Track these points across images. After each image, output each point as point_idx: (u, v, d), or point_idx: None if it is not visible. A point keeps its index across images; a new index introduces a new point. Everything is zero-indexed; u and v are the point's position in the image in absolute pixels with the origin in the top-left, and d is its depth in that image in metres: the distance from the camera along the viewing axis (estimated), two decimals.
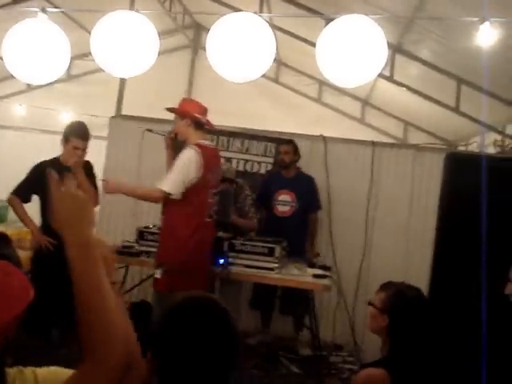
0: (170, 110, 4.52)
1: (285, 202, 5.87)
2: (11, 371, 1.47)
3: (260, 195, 5.99)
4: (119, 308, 1.51)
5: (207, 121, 4.48)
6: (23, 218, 4.95)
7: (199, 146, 4.27)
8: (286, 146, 5.94)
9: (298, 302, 5.38)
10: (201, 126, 4.44)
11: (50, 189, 1.47)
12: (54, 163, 4.86)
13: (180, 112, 4.43)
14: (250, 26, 3.51)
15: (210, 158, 4.32)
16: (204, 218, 4.31)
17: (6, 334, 1.21)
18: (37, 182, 4.67)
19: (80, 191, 1.47)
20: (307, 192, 5.89)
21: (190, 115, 4.37)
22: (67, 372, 1.55)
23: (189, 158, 4.18)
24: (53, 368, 1.58)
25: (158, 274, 4.17)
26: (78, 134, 4.91)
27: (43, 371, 1.53)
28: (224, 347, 1.48)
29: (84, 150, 4.92)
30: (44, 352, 4.16)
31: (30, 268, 4.99)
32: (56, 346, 4.61)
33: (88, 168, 5.05)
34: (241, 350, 1.53)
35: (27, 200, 4.97)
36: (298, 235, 5.80)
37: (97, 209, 5.23)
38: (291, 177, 5.90)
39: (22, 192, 4.90)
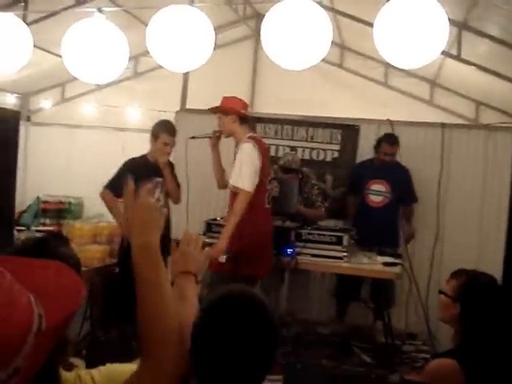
0: (213, 109, 4.68)
1: (378, 192, 5.76)
2: (70, 375, 1.50)
3: (351, 184, 5.94)
4: (191, 311, 1.59)
5: (249, 115, 4.70)
6: (114, 211, 5.09)
7: (252, 138, 4.42)
8: (391, 147, 5.66)
9: (380, 292, 5.32)
10: (245, 120, 4.60)
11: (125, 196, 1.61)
12: (143, 160, 5.10)
13: (224, 109, 4.57)
14: (305, 11, 3.45)
15: (263, 147, 4.49)
16: (264, 205, 4.51)
17: (57, 335, 1.22)
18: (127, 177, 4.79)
19: (150, 201, 1.60)
20: (403, 183, 5.74)
21: (235, 111, 4.51)
22: (122, 368, 1.58)
23: (251, 151, 4.33)
24: (107, 366, 1.60)
25: (222, 259, 4.27)
26: (167, 130, 5.08)
27: (99, 373, 1.57)
28: (261, 342, 1.46)
29: (172, 145, 5.12)
30: (116, 345, 4.27)
31: (117, 261, 5.14)
32: (129, 339, 4.72)
33: (171, 166, 5.19)
34: (278, 344, 1.53)
35: (119, 195, 5.09)
36: (389, 227, 5.72)
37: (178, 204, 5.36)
38: (385, 166, 5.75)
39: (114, 186, 5.04)
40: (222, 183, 5.01)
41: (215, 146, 4.88)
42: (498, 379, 2.24)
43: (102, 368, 1.60)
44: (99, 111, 10.23)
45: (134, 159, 5.15)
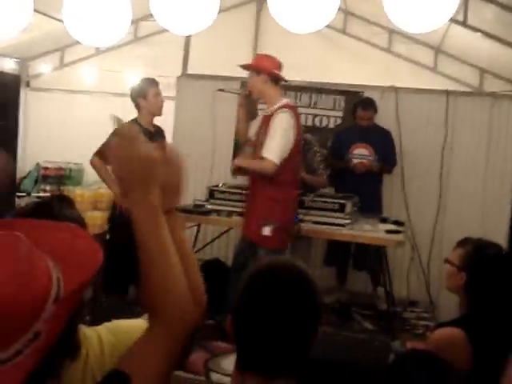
0: (245, 66, 4.45)
1: (361, 156, 5.71)
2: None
3: (334, 149, 5.88)
4: (192, 268, 1.47)
5: (283, 77, 4.40)
6: (106, 179, 5.05)
7: (289, 106, 4.25)
8: (365, 111, 5.64)
9: (373, 257, 5.30)
10: (278, 81, 4.36)
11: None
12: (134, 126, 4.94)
13: (256, 68, 4.34)
14: None
15: (298, 118, 4.35)
16: (296, 177, 4.45)
17: (78, 298, 1.20)
18: None
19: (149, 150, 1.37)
20: (385, 146, 5.71)
21: (268, 71, 4.28)
22: (130, 325, 1.55)
23: (288, 123, 4.19)
24: (114, 324, 1.58)
25: (267, 232, 4.20)
26: (151, 82, 5.07)
27: (107, 330, 1.53)
28: (305, 314, 1.43)
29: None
30: (121, 309, 4.29)
31: (108, 227, 5.13)
32: (132, 303, 4.74)
33: (160, 132, 5.15)
34: (321, 315, 1.49)
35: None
36: (374, 190, 5.69)
37: None
38: (367, 129, 5.69)
39: (105, 154, 4.99)
40: (245, 138, 4.87)
41: (243, 105, 4.70)
42: (504, 348, 2.23)
43: (108, 324, 1.57)
44: (99, 76, 10.10)
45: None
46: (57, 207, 1.56)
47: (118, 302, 4.61)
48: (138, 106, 5.05)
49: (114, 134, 1.41)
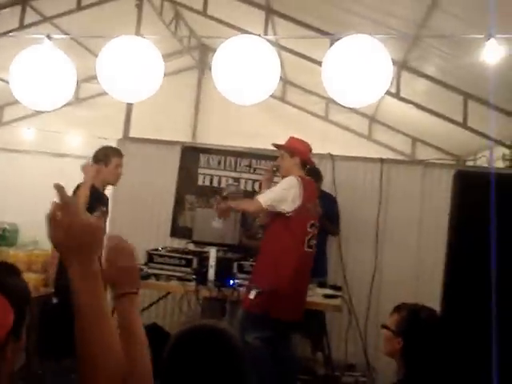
0: (279, 146, 4.61)
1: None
2: None
3: None
4: (139, 348, 1.47)
5: (313, 162, 4.68)
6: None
7: (301, 177, 4.38)
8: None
9: (316, 323, 5.33)
10: (306, 166, 4.57)
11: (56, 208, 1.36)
12: (91, 189, 4.88)
13: (291, 150, 4.50)
14: (255, 48, 3.52)
15: (309, 188, 4.43)
16: (303, 247, 4.36)
17: None
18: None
19: (91, 216, 1.38)
20: (330, 210, 5.82)
21: (302, 155, 4.50)
22: None
23: (289, 184, 4.31)
24: None
25: (251, 295, 4.20)
26: (117, 153, 5.02)
27: None
28: (230, 376, 1.46)
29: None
30: (55, 375, 4.15)
31: (55, 292, 4.95)
32: (67, 372, 4.59)
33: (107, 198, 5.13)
34: (249, 378, 1.51)
35: None
36: (319, 256, 5.76)
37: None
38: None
39: None
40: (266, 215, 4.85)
41: (269, 180, 4.89)
42: None
43: None
44: (37, 136, 10.05)
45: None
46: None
47: (52, 370, 4.45)
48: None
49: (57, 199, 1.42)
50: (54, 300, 4.88)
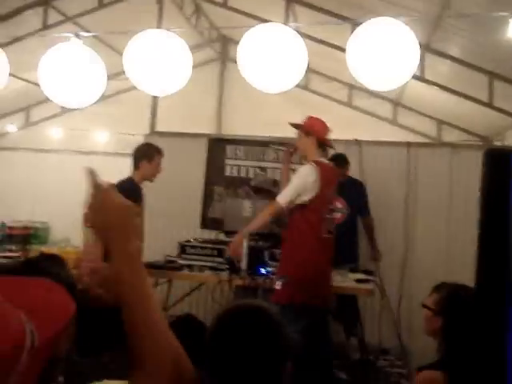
0: (296, 125, 4.55)
1: (336, 209, 5.81)
2: None
3: None
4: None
5: (330, 142, 4.55)
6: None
7: (317, 162, 4.33)
8: (340, 168, 5.59)
9: (349, 308, 5.36)
10: (323, 145, 4.50)
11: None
12: (131, 184, 4.98)
13: (307, 129, 4.45)
14: (281, 36, 3.53)
15: (326, 174, 4.37)
16: (322, 233, 4.36)
17: (50, 350, 1.24)
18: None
19: (124, 199, 1.43)
20: (358, 198, 5.83)
21: (318, 135, 4.42)
22: None
23: (306, 174, 4.28)
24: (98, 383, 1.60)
25: (278, 286, 4.24)
26: (160, 151, 5.12)
27: None
28: (272, 357, 1.50)
29: None
30: (95, 372, 4.22)
31: None
32: (107, 367, 4.67)
33: None
34: (291, 358, 1.54)
35: None
36: (350, 242, 5.79)
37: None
38: (341, 183, 5.79)
39: None
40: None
41: (287, 161, 4.88)
42: None
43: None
44: (64, 135, 10.17)
45: (124, 184, 4.93)
46: (43, 265, 1.59)
47: (93, 365, 4.54)
48: (137, 165, 5.07)
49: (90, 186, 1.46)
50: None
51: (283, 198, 4.27)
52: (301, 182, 4.27)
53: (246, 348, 1.47)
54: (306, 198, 4.26)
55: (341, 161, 5.77)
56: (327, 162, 4.50)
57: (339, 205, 5.77)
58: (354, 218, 5.81)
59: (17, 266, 1.57)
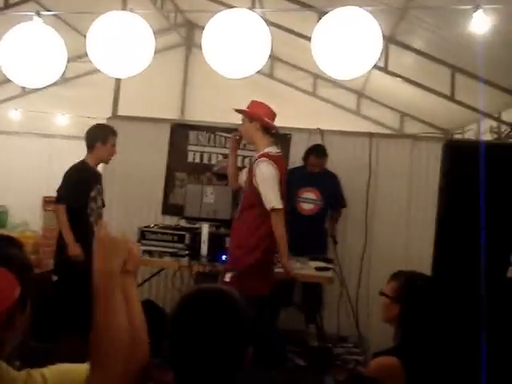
0: (239, 111, 4.48)
1: (309, 200, 5.83)
2: (20, 374, 1.50)
3: None
4: (137, 321, 1.65)
5: (275, 126, 4.47)
6: (65, 229, 4.78)
7: (270, 157, 4.26)
8: (319, 159, 5.75)
9: (311, 296, 5.40)
10: (268, 130, 4.42)
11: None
12: (86, 168, 4.96)
13: (249, 114, 4.39)
14: (245, 22, 3.52)
15: (281, 165, 4.34)
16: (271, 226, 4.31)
17: None
18: (81, 186, 4.85)
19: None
20: (332, 190, 5.86)
21: (260, 119, 4.35)
22: (73, 368, 1.58)
23: (272, 173, 4.21)
24: (58, 366, 1.60)
25: (227, 278, 4.21)
26: (113, 132, 5.06)
27: (50, 371, 1.57)
28: (236, 341, 1.50)
29: None
30: (50, 357, 4.16)
31: (54, 270, 4.95)
32: (61, 352, 4.62)
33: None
34: (250, 340, 1.54)
35: (74, 207, 4.84)
36: (320, 233, 5.84)
37: None
38: (316, 174, 5.80)
39: (69, 199, 4.82)
40: (235, 185, 4.87)
41: (234, 149, 4.77)
42: (436, 376, 2.36)
43: (52, 367, 1.60)
44: (24, 117, 9.98)
45: (77, 167, 4.96)
46: (1, 246, 1.57)
47: (48, 349, 4.48)
48: (91, 148, 4.97)
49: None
50: (54, 277, 4.89)
51: (276, 202, 4.18)
52: (275, 182, 4.21)
53: (209, 332, 1.47)
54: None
55: (320, 152, 5.79)
56: (276, 151, 4.43)
57: (313, 196, 5.81)
58: (326, 209, 5.86)
59: None
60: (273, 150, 4.38)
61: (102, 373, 1.48)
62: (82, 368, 1.54)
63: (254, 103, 4.48)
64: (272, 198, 4.19)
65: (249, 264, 4.19)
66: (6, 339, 1.45)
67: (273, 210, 4.17)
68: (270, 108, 4.44)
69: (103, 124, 5.18)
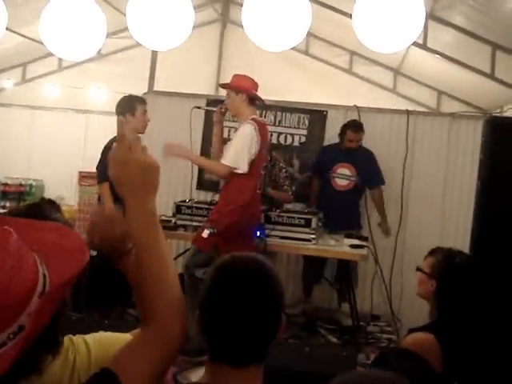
0: (224, 85, 4.69)
1: (344, 176, 5.80)
2: (63, 341, 1.49)
3: (316, 167, 5.98)
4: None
5: (260, 97, 4.64)
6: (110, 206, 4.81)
7: (255, 121, 4.43)
8: (356, 134, 5.67)
9: (344, 274, 5.41)
10: (254, 101, 4.60)
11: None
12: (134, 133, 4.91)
13: (235, 87, 4.55)
14: None
15: (264, 133, 4.51)
16: (256, 189, 4.57)
17: (61, 296, 1.23)
18: None
19: (148, 155, 1.44)
20: (367, 166, 5.81)
21: (246, 90, 4.51)
22: (116, 336, 1.58)
23: (250, 134, 4.37)
24: (100, 334, 1.60)
25: (205, 234, 4.36)
26: (141, 100, 5.06)
27: (92, 338, 1.55)
28: (267, 303, 1.48)
29: None
30: (86, 327, 4.21)
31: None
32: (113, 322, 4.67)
33: None
34: (283, 309, 1.54)
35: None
36: (355, 210, 5.81)
37: None
38: (352, 150, 5.74)
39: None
40: (220, 156, 4.83)
41: (219, 122, 4.91)
42: (472, 352, 2.34)
43: (95, 334, 1.58)
44: (61, 92, 10.06)
45: (109, 143, 4.87)
46: (47, 210, 1.58)
47: (84, 319, 4.55)
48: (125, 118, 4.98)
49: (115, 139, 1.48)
50: (93, 252, 4.89)
51: (232, 159, 4.35)
52: (247, 143, 4.36)
53: (245, 298, 1.47)
54: (244, 167, 4.38)
55: (357, 126, 5.73)
56: (261, 118, 4.64)
57: (348, 172, 5.77)
58: (361, 187, 5.81)
59: (22, 211, 1.55)
60: (259, 117, 4.61)
61: (154, 326, 1.39)
62: (125, 337, 1.52)
63: (237, 77, 4.66)
64: (231, 154, 4.38)
65: (227, 225, 4.36)
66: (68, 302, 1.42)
67: (220, 163, 4.40)
68: (252, 79, 4.64)
69: (129, 95, 5.14)
